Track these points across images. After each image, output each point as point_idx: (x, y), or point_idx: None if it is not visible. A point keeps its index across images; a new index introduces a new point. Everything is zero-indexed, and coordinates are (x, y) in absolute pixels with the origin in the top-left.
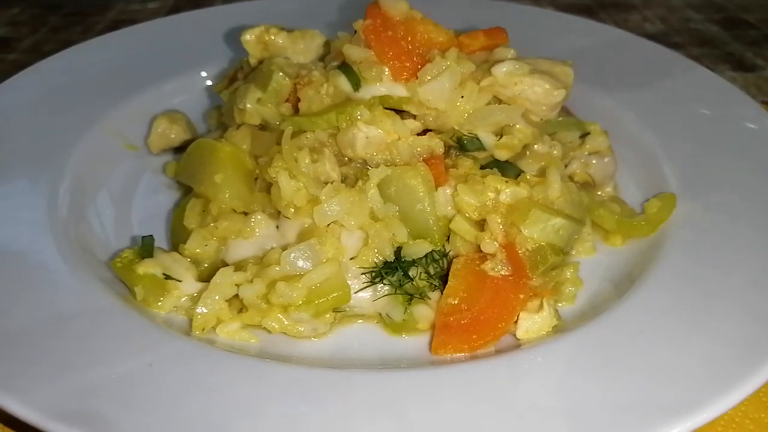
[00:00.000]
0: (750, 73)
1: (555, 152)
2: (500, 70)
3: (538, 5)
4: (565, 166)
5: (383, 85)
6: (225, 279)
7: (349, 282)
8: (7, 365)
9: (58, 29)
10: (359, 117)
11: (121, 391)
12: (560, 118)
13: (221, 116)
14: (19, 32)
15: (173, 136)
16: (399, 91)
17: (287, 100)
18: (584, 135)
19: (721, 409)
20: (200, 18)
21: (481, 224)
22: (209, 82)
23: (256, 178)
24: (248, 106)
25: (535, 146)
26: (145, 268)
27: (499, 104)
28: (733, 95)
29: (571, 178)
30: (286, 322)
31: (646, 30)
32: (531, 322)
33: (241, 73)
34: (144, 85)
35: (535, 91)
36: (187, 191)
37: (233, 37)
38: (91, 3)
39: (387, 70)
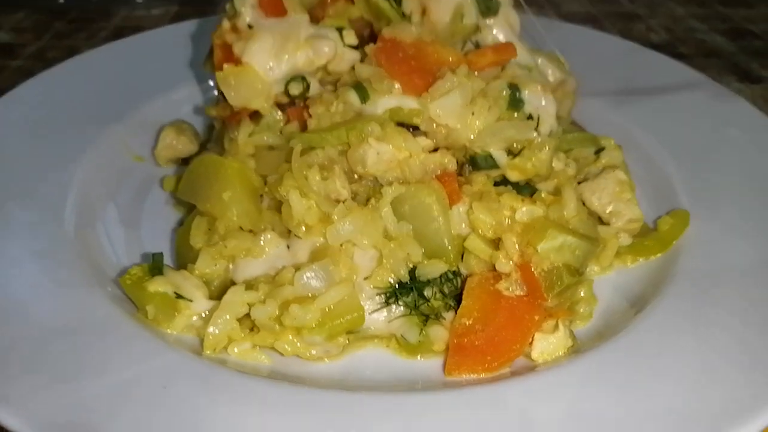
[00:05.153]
0: (756, 84)
1: (570, 170)
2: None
3: (543, 15)
4: (579, 183)
5: (393, 97)
6: (236, 298)
7: (363, 303)
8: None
9: (62, 35)
10: (370, 132)
11: (133, 410)
12: (575, 134)
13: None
14: (23, 38)
15: (180, 147)
16: (410, 103)
17: (288, 121)
18: (599, 150)
19: None
20: (208, 26)
21: (495, 243)
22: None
23: (261, 195)
24: (240, 139)
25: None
26: (156, 286)
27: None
28: (745, 110)
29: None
30: (298, 345)
31: (651, 40)
32: (546, 344)
33: None
34: (151, 95)
35: None
36: (190, 208)
37: None
38: (96, 9)
39: (397, 84)
